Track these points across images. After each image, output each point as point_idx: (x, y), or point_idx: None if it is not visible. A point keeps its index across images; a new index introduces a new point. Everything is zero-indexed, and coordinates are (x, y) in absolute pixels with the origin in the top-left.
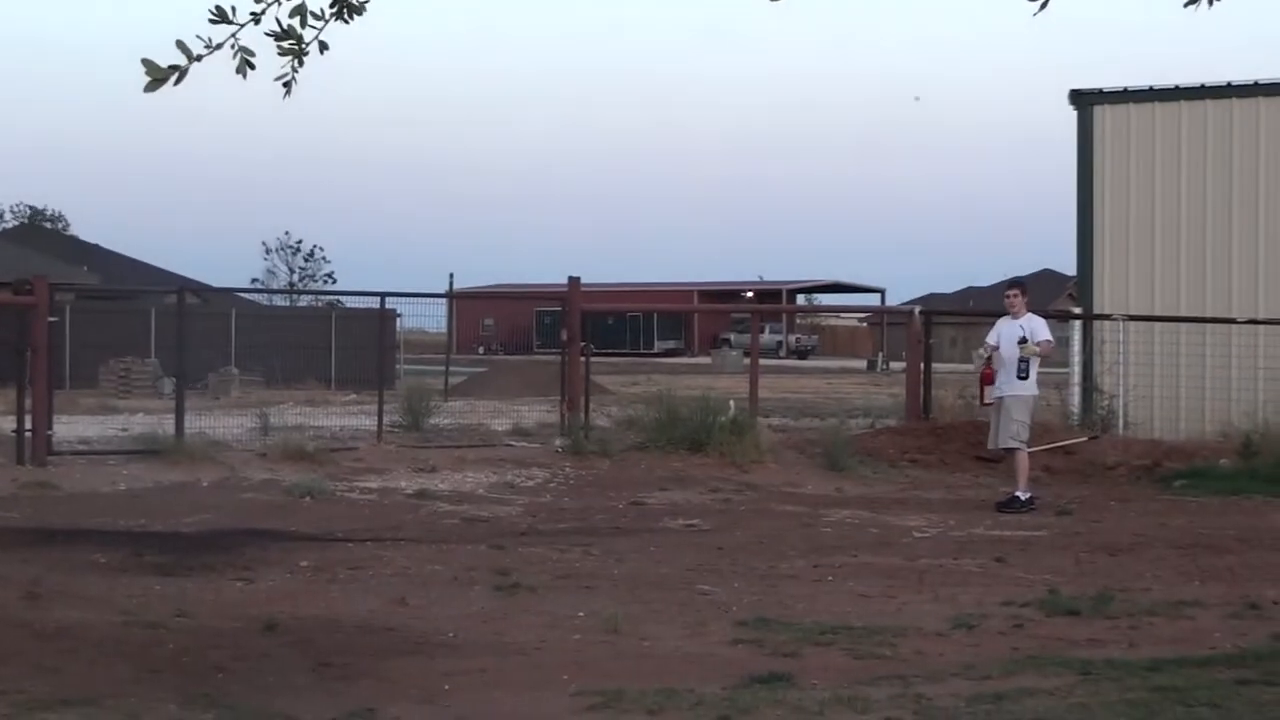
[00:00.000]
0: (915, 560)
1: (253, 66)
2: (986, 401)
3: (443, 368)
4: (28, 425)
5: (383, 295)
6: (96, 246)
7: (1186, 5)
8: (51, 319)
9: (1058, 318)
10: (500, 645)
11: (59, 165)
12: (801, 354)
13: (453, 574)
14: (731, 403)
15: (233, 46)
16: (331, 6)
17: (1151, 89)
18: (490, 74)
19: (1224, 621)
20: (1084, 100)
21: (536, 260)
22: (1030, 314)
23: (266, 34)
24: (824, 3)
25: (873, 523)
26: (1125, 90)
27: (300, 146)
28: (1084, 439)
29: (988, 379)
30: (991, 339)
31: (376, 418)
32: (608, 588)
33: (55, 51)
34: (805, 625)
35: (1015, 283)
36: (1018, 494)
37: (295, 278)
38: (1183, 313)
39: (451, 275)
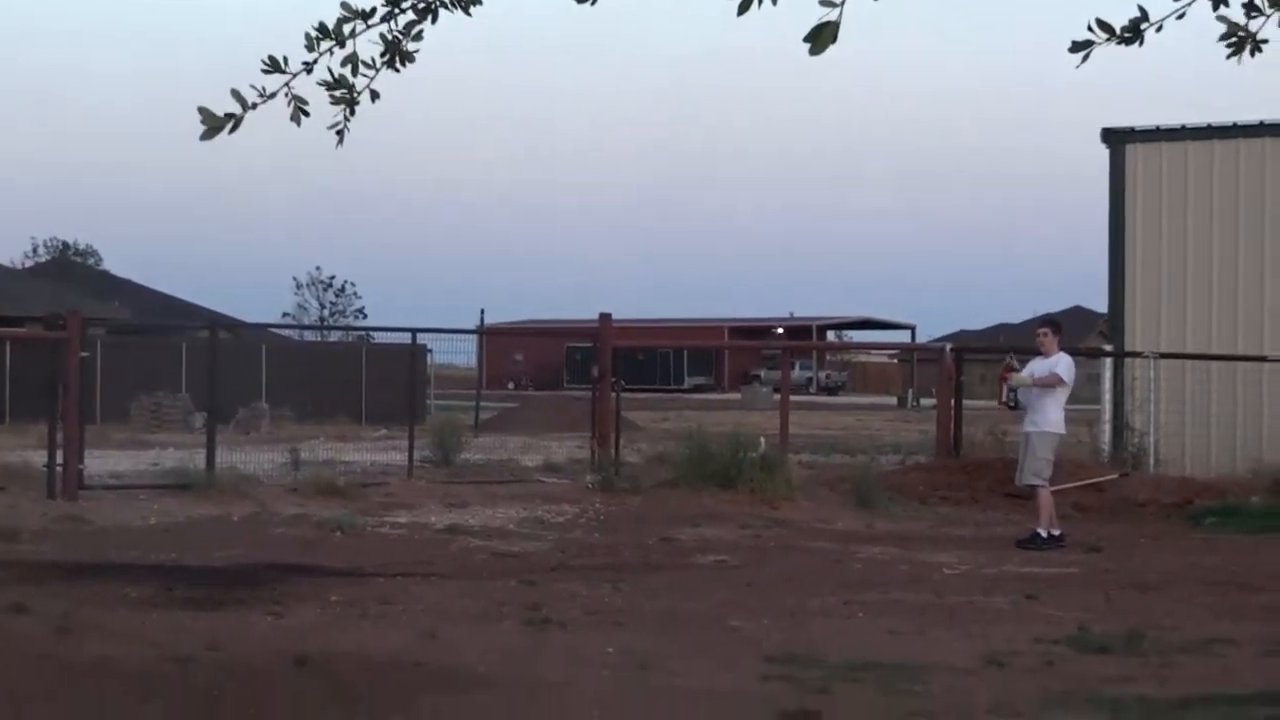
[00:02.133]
0: (945, 597)
1: (307, 114)
2: (1003, 399)
3: (473, 403)
4: (59, 460)
5: (414, 331)
6: (128, 281)
7: (1230, 56)
8: (83, 354)
9: (1088, 355)
10: (530, 681)
11: (91, 200)
12: (831, 390)
13: (483, 609)
14: (762, 439)
15: (286, 95)
16: (383, 55)
17: (1184, 127)
18: (522, 111)
19: (1255, 660)
20: (1116, 138)
21: (567, 296)
22: (1062, 353)
23: (319, 83)
24: (854, 38)
25: (903, 559)
26: (1157, 129)
27: (332, 182)
28: (1114, 476)
29: (1004, 376)
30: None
31: (407, 453)
32: (637, 624)
33: (87, 86)
34: (835, 662)
35: (1047, 321)
36: (1039, 531)
37: (326, 313)
38: (1214, 350)
39: (482, 311)
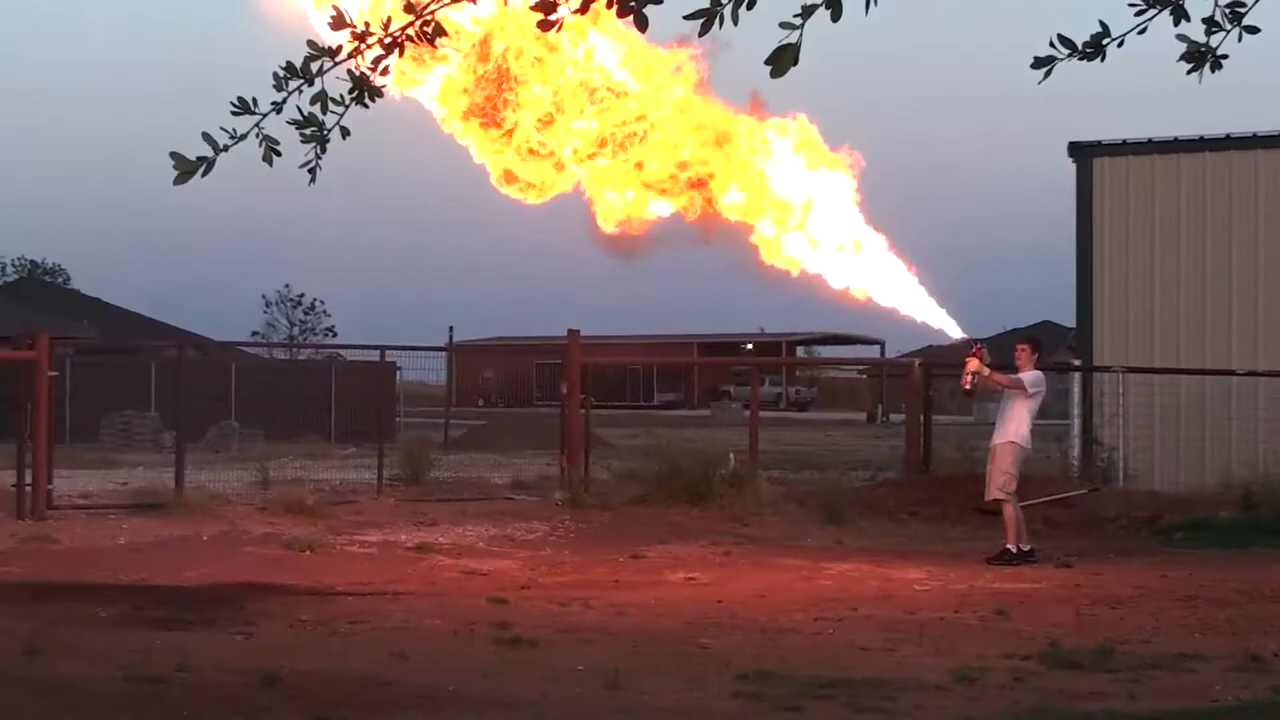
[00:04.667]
0: (916, 613)
1: (278, 154)
2: (964, 382)
3: (442, 420)
4: (28, 479)
5: (382, 348)
6: (97, 300)
7: (1190, 72)
8: (52, 373)
9: (1057, 369)
10: (500, 699)
11: (59, 219)
12: (801, 406)
13: (453, 628)
14: (731, 455)
15: (257, 135)
16: (351, 92)
17: (1150, 141)
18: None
19: (1225, 674)
20: (1083, 153)
21: (536, 313)
22: (1035, 371)
23: (289, 122)
24: (825, 53)
25: (873, 575)
26: (1124, 143)
27: (301, 199)
28: (1084, 491)
29: (975, 355)
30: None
31: (376, 471)
32: (608, 641)
33: (55, 103)
34: (806, 678)
35: (1028, 338)
36: (1009, 546)
37: (295, 331)
38: (1182, 364)
39: (451, 328)
